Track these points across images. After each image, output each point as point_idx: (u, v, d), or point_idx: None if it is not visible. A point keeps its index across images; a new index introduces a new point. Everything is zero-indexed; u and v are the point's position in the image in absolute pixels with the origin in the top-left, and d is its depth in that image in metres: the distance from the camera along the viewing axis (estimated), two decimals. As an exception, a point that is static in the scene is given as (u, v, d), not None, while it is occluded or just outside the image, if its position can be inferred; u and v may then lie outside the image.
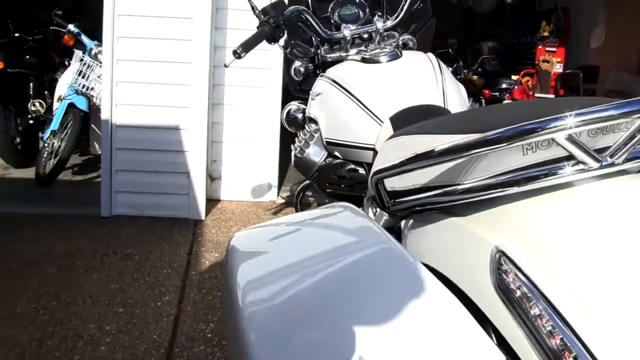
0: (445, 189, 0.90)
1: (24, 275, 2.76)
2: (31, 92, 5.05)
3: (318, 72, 2.06)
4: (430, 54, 1.83)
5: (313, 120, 1.91)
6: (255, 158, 4.12)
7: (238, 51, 1.89)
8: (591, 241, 0.70)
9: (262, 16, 1.99)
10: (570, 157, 0.75)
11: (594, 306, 0.64)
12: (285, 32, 2.08)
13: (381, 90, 1.65)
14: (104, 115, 3.68)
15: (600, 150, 0.76)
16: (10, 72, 4.81)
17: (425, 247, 1.00)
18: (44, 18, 5.36)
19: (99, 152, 4.36)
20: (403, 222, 1.14)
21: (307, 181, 2.01)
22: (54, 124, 4.43)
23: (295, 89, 2.24)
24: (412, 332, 0.67)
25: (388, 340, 0.66)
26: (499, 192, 0.81)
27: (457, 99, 1.61)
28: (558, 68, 7.45)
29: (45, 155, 4.39)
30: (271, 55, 3.78)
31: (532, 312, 0.68)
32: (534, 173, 0.78)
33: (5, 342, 2.17)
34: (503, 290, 0.73)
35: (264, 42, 1.99)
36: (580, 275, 0.67)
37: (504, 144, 0.74)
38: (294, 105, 2.27)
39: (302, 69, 2.14)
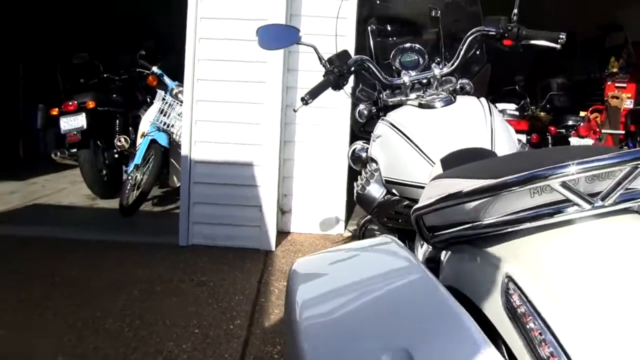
0: (471, 225, 1.06)
1: (110, 297, 3.03)
2: (117, 129, 5.46)
3: (380, 114, 2.19)
4: (482, 99, 1.93)
5: (374, 160, 2.04)
6: (324, 193, 4.31)
7: (305, 98, 2.04)
8: (580, 270, 0.86)
9: (328, 65, 2.14)
10: (567, 200, 0.90)
11: (578, 323, 0.80)
12: (350, 79, 2.26)
13: (434, 134, 1.77)
14: (184, 151, 3.98)
15: (597, 194, 0.91)
16: (100, 110, 5.21)
17: (456, 273, 1.17)
18: (130, 59, 5.76)
19: (178, 185, 4.67)
20: (443, 253, 1.30)
21: (369, 215, 2.15)
22: (137, 159, 4.78)
23: (359, 130, 2.39)
24: (433, 349, 0.82)
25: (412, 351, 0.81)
26: (511, 228, 0.98)
27: (505, 141, 1.73)
28: (628, 104, 7.33)
29: (128, 187, 4.74)
30: (339, 95, 3.96)
31: (528, 326, 0.83)
32: (539, 213, 0.94)
33: (97, 353, 2.41)
34: (509, 309, 0.88)
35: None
36: (569, 298, 0.82)
37: (508, 189, 0.91)
38: (359, 144, 2.39)
39: (365, 112, 2.26)
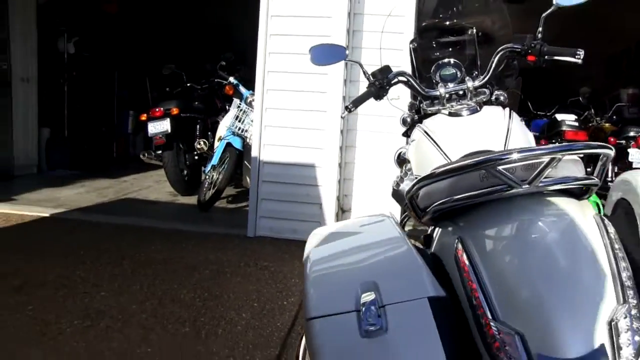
0: (443, 201, 1.44)
1: (186, 274, 3.55)
2: (197, 133, 6.04)
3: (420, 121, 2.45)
4: (506, 109, 2.16)
5: (409, 161, 2.36)
6: (381, 194, 4.68)
7: (349, 107, 2.37)
8: (504, 232, 1.26)
9: (371, 78, 2.40)
10: (505, 182, 1.28)
11: (495, 268, 1.18)
12: (389, 90, 2.60)
13: (455, 138, 2.03)
14: (254, 153, 4.48)
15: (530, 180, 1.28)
16: (183, 116, 5.81)
17: (436, 242, 1.55)
18: (210, 69, 6.35)
19: (250, 186, 5.18)
20: (431, 228, 1.69)
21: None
22: (214, 160, 5.34)
23: (404, 134, 2.72)
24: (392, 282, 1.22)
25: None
26: (468, 202, 1.36)
27: (520, 144, 1.95)
28: None
29: (206, 185, 5.30)
30: (397, 104, 4.37)
31: (464, 275, 1.22)
32: (488, 191, 1.32)
33: (172, 316, 2.92)
34: (456, 262, 1.27)
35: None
36: (494, 252, 1.22)
37: (462, 172, 1.29)
38: (403, 149, 2.65)
39: (408, 119, 2.47)
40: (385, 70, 2.44)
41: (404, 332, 1.14)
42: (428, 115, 2.32)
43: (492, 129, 2.02)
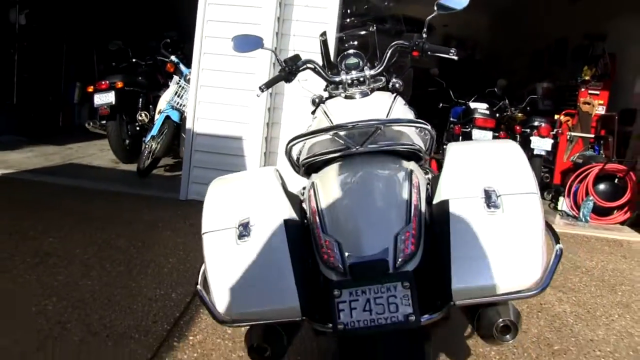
0: (305, 158, 2.05)
1: (123, 228, 4.11)
2: (140, 106, 6.53)
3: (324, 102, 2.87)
4: (394, 94, 2.59)
5: None
6: (301, 166, 5.32)
7: (261, 87, 2.80)
8: (341, 182, 1.85)
9: (283, 64, 2.80)
10: (345, 144, 1.89)
11: (330, 202, 1.79)
12: (297, 75, 2.97)
13: (347, 116, 2.37)
14: (188, 125, 5.05)
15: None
16: (126, 89, 6.28)
17: (305, 186, 2.15)
18: (155, 46, 6.82)
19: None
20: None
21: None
22: (154, 131, 5.86)
23: (311, 113, 2.93)
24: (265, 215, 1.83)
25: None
26: (320, 158, 1.97)
27: None
28: (600, 110, 7.90)
29: (145, 154, 5.83)
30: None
31: (311, 205, 1.82)
32: (332, 150, 1.93)
33: (110, 258, 3.50)
34: (308, 198, 1.87)
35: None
36: (329, 189, 1.83)
37: (315, 135, 1.91)
38: (310, 125, 2.83)
39: (316, 100, 2.85)
40: (295, 57, 2.84)
41: (264, 240, 1.74)
42: (331, 98, 2.71)
43: (376, 109, 2.42)
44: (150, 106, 6.59)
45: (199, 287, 1.91)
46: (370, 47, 3.06)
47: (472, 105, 7.35)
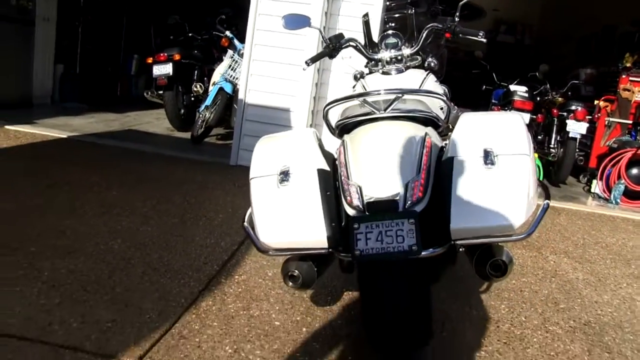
0: (340, 120, 2.38)
1: (177, 187, 4.53)
2: (195, 78, 6.95)
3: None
4: (426, 72, 2.89)
5: None
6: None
7: (307, 61, 3.06)
8: (366, 136, 2.19)
9: (327, 41, 3.09)
10: (372, 109, 2.22)
11: (355, 155, 2.13)
12: (340, 52, 3.22)
13: (381, 87, 2.58)
14: (240, 96, 5.45)
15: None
16: (183, 62, 6.71)
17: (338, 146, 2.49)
18: (210, 22, 7.22)
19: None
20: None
21: None
22: (208, 101, 6.28)
23: (352, 87, 3.18)
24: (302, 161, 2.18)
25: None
26: (350, 120, 2.31)
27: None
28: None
29: (199, 123, 6.26)
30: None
31: (340, 158, 2.18)
32: (360, 114, 2.27)
33: (166, 211, 3.92)
34: (338, 153, 2.22)
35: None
36: (356, 145, 2.17)
37: (350, 100, 2.25)
38: None
39: (358, 75, 3.14)
40: (339, 36, 3.11)
41: (300, 186, 2.11)
42: (371, 74, 3.00)
43: (409, 84, 2.70)
44: (205, 78, 6.99)
45: (245, 224, 2.30)
46: (408, 28, 3.33)
47: (512, 88, 7.53)
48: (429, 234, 2.00)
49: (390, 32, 3.02)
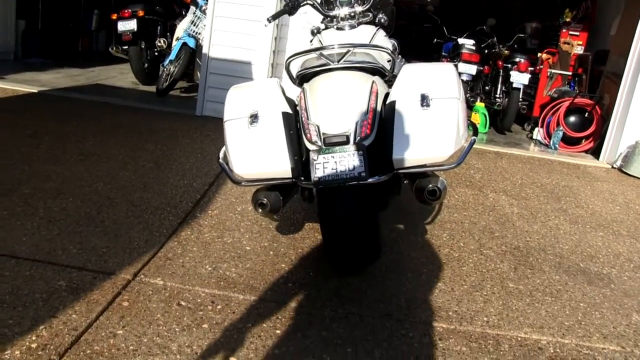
0: (302, 69, 2.76)
1: (148, 135, 4.88)
2: (158, 33, 7.19)
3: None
4: (376, 27, 3.24)
5: None
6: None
7: (269, 19, 3.48)
8: (321, 83, 2.60)
9: (286, 0, 3.45)
10: (328, 60, 2.61)
11: (313, 99, 2.53)
12: (299, 9, 3.59)
13: (336, 42, 2.98)
14: (204, 50, 5.78)
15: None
16: (147, 17, 6.94)
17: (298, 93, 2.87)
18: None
19: (200, 77, 6.43)
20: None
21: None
22: (172, 56, 6.55)
23: (310, 42, 3.58)
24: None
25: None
26: (309, 70, 2.69)
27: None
28: (579, 50, 8.45)
29: (163, 76, 6.54)
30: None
31: (300, 102, 2.57)
32: (317, 65, 2.66)
33: (140, 157, 4.27)
34: (299, 98, 2.61)
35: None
36: (314, 93, 2.57)
37: (307, 53, 2.64)
38: None
39: (315, 31, 3.46)
40: None
41: (267, 126, 2.50)
42: (327, 29, 3.34)
43: (360, 39, 3.09)
44: (168, 34, 7.23)
45: (220, 160, 2.70)
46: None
47: (460, 41, 7.93)
48: (376, 164, 2.44)
49: None
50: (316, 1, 3.32)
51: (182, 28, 6.62)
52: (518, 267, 3.13)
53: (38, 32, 8.47)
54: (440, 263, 3.07)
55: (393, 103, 2.48)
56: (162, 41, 7.00)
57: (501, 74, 7.63)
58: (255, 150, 2.50)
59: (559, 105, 6.97)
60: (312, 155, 2.39)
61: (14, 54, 8.17)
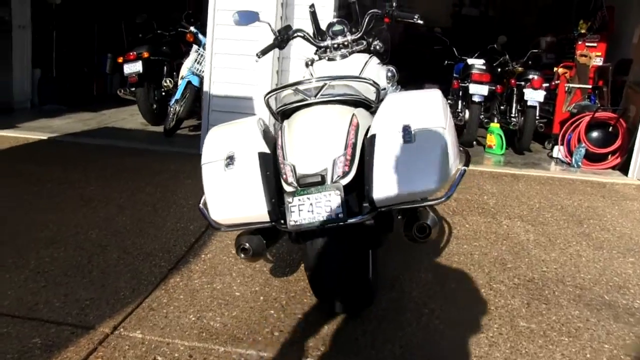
0: (282, 105, 2.66)
1: (151, 177, 4.85)
2: (164, 73, 7.22)
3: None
4: (369, 55, 3.15)
5: None
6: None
7: (258, 54, 3.39)
8: (298, 119, 2.50)
9: (276, 33, 3.34)
10: (304, 96, 2.52)
11: (290, 137, 2.42)
12: (289, 42, 3.42)
13: (326, 74, 2.96)
14: (205, 88, 5.76)
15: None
16: (152, 58, 6.97)
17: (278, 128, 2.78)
18: (177, 18, 7.46)
19: (204, 115, 6.41)
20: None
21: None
22: (177, 95, 6.57)
23: (304, 75, 3.51)
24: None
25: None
26: (287, 107, 2.60)
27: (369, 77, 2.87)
28: (598, 61, 8.18)
29: (170, 116, 6.55)
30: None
31: (279, 141, 2.45)
32: (294, 100, 2.56)
33: (139, 201, 4.23)
34: (277, 137, 2.51)
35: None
36: (291, 128, 2.47)
37: (283, 89, 2.55)
38: None
39: (308, 62, 3.36)
40: (287, 27, 3.38)
41: (243, 168, 2.41)
42: (319, 60, 3.28)
43: (351, 69, 3.01)
44: (174, 73, 7.25)
45: (200, 205, 2.62)
46: (353, 14, 3.58)
47: (470, 61, 7.75)
48: (358, 202, 2.33)
49: (335, 19, 3.29)
50: (307, 33, 3.27)
51: (186, 67, 6.64)
52: (531, 303, 2.92)
53: (53, 79, 8.61)
54: (444, 302, 2.89)
55: (373, 137, 2.36)
56: (168, 81, 7.03)
57: (515, 92, 7.46)
58: (230, 194, 2.42)
59: (580, 121, 6.72)
60: (287, 198, 2.28)
61: (31, 101, 8.29)
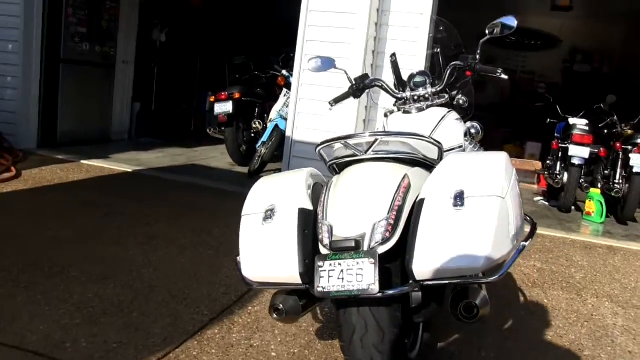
0: (333, 159, 2.50)
1: (222, 220, 4.79)
2: (255, 114, 7.28)
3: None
4: (446, 110, 2.99)
5: None
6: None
7: (331, 102, 3.36)
8: (348, 176, 2.31)
9: (352, 82, 3.29)
10: (354, 151, 2.34)
11: (334, 195, 2.25)
12: (365, 91, 3.34)
13: (399, 128, 2.91)
14: (288, 133, 5.69)
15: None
16: (243, 99, 7.06)
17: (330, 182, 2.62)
18: (273, 60, 7.56)
19: (288, 159, 6.37)
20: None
21: None
22: (264, 137, 6.58)
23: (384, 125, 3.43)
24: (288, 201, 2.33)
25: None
26: (337, 161, 2.44)
27: (443, 135, 2.76)
28: None
29: (256, 158, 6.56)
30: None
31: (323, 199, 2.28)
32: (344, 155, 2.39)
33: (204, 243, 4.16)
34: (322, 194, 2.34)
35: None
36: (338, 184, 2.29)
37: (334, 142, 2.38)
38: None
39: (387, 113, 3.27)
40: (364, 76, 3.30)
41: (280, 224, 2.25)
42: (397, 112, 3.15)
43: (426, 123, 2.86)
44: (265, 115, 7.31)
45: (238, 258, 2.46)
46: (436, 66, 3.41)
47: (572, 121, 7.30)
48: (401, 273, 2.10)
49: (416, 71, 3.15)
50: (384, 83, 3.16)
51: (275, 110, 6.67)
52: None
53: (151, 113, 8.97)
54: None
55: (421, 202, 2.11)
56: (257, 122, 7.08)
57: (620, 156, 6.92)
58: (263, 250, 2.25)
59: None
60: (318, 261, 2.08)
61: (128, 134, 8.64)
